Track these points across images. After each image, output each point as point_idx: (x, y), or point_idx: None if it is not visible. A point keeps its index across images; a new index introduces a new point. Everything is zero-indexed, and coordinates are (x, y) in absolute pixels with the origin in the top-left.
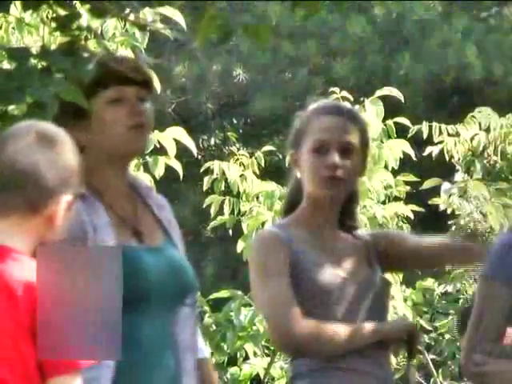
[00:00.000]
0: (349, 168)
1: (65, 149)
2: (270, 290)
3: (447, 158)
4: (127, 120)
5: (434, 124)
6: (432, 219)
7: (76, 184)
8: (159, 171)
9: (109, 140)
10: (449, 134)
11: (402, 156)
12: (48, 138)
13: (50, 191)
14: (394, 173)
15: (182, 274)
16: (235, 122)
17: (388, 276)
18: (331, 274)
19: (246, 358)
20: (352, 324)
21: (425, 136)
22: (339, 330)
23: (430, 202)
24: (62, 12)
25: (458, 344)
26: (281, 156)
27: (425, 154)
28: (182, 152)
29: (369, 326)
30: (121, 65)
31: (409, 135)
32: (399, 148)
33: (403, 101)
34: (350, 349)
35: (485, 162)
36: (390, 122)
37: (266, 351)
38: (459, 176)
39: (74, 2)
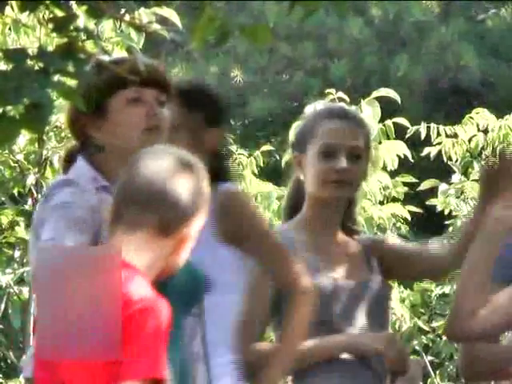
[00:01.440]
0: (356, 172)
1: (200, 175)
2: (243, 303)
3: (445, 160)
4: (143, 122)
5: (432, 125)
6: (429, 220)
7: (207, 211)
8: None
9: (124, 140)
10: (447, 136)
11: (400, 157)
12: (185, 163)
13: (185, 215)
14: (392, 174)
15: (195, 281)
16: (233, 123)
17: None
18: (327, 277)
19: None
20: (324, 336)
21: (422, 137)
22: (287, 353)
23: (427, 203)
24: (58, 13)
25: (456, 345)
26: (278, 157)
27: (423, 154)
28: None
29: (336, 340)
30: (125, 72)
31: (406, 136)
32: (396, 149)
33: (400, 102)
34: (303, 367)
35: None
36: (388, 122)
37: None
38: (456, 177)
39: (71, 3)
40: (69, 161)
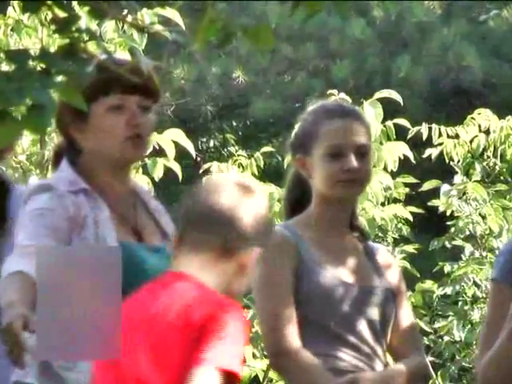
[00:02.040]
0: (366, 169)
1: (262, 204)
2: (271, 304)
3: (447, 160)
4: (124, 130)
5: (434, 126)
6: (431, 221)
7: (267, 239)
8: (158, 173)
9: (104, 147)
10: (448, 136)
11: (401, 158)
12: (248, 191)
13: (245, 238)
14: (393, 175)
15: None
16: (234, 124)
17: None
18: (333, 277)
19: (244, 359)
20: (323, 340)
21: (424, 138)
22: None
23: (429, 204)
24: (61, 14)
25: (458, 346)
26: (280, 158)
27: (424, 155)
28: (181, 154)
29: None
30: (126, 72)
31: (408, 137)
32: (398, 150)
33: (402, 103)
34: None
35: (484, 164)
36: (389, 123)
37: (265, 353)
38: (458, 178)
39: (73, 3)
40: (57, 159)
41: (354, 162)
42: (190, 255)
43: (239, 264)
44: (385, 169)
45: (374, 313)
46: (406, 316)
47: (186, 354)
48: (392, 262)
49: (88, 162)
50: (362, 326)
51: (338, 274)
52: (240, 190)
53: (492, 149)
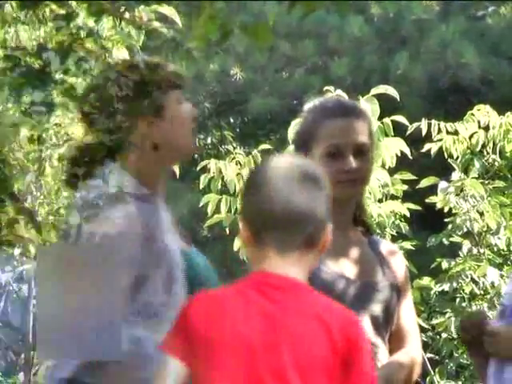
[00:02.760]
0: (365, 168)
1: (324, 182)
2: None
3: (446, 156)
4: (192, 122)
5: (433, 121)
6: (429, 217)
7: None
8: None
9: (177, 138)
10: (447, 132)
11: (398, 154)
12: (310, 175)
13: (323, 225)
14: (391, 171)
15: (214, 274)
16: (232, 121)
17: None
18: (334, 273)
19: None
20: None
21: (423, 133)
22: None
23: (426, 201)
24: (59, 11)
25: (455, 343)
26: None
27: (423, 150)
28: None
29: None
30: (143, 65)
31: (407, 133)
32: (396, 146)
33: (399, 99)
34: None
35: (483, 160)
36: (387, 119)
37: None
38: (456, 175)
39: (71, 1)
40: (92, 165)
41: (352, 162)
42: (279, 256)
43: (320, 248)
44: (382, 165)
45: (376, 308)
46: (407, 311)
47: (336, 374)
48: (397, 254)
49: (159, 160)
50: (364, 321)
51: (339, 270)
52: (306, 179)
53: (491, 145)
